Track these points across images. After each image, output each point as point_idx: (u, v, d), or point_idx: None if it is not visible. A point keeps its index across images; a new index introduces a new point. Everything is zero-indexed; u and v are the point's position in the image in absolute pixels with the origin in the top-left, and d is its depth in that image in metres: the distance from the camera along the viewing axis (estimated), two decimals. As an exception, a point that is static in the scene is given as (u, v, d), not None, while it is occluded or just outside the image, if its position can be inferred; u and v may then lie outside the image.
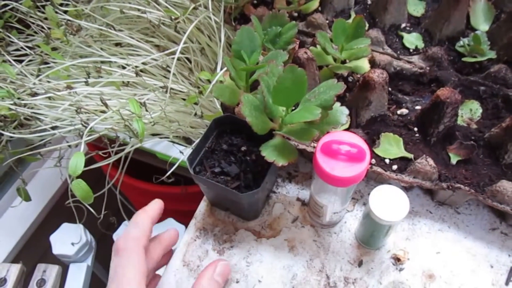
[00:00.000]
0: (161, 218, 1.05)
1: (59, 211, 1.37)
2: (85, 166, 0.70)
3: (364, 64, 0.73)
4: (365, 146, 0.54)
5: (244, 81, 0.66)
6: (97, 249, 1.03)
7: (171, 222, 1.00)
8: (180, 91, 0.90)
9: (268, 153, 0.56)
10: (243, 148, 0.64)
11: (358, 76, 0.76)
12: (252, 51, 0.64)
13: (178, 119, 0.90)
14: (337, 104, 0.59)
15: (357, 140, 0.54)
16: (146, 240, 0.53)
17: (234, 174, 0.62)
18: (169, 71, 0.86)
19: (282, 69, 0.55)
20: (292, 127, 0.57)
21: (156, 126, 0.88)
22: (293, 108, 0.57)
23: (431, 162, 0.63)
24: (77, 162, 0.68)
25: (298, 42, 0.73)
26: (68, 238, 0.98)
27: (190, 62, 0.94)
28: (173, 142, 0.95)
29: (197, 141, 0.63)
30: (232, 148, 0.65)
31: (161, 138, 0.93)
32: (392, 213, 0.56)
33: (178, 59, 0.94)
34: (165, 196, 1.08)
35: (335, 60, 0.74)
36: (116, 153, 0.88)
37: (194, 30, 0.87)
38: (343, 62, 0.74)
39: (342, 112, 0.58)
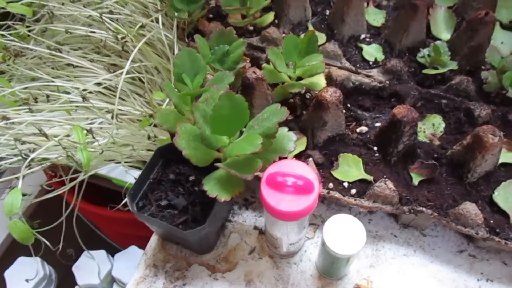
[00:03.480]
0: (124, 245, 1.00)
1: (16, 243, 1.30)
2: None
3: (320, 81, 0.69)
4: (313, 176, 0.49)
5: (190, 106, 0.61)
6: (62, 281, 0.97)
7: (134, 250, 0.95)
8: (133, 113, 0.85)
9: (210, 187, 0.51)
10: (191, 178, 0.60)
11: (316, 92, 0.72)
12: (196, 74, 0.60)
13: (132, 143, 0.85)
14: (284, 129, 0.54)
15: (304, 169, 0.50)
16: None
17: (182, 207, 0.58)
18: (123, 92, 0.82)
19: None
20: (236, 158, 0.53)
21: (108, 152, 0.83)
22: (240, 133, 0.53)
23: (390, 185, 0.59)
24: (12, 201, 0.63)
25: (248, 61, 0.69)
26: (24, 273, 0.92)
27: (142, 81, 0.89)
28: (132, 166, 0.90)
29: (139, 173, 0.58)
30: (180, 177, 0.60)
31: (117, 163, 0.88)
32: (348, 246, 0.52)
33: (133, 78, 0.89)
34: (126, 222, 1.02)
35: (290, 77, 0.70)
36: (71, 180, 0.83)
37: (145, 48, 0.82)
38: (299, 78, 0.70)
39: (289, 139, 0.53)
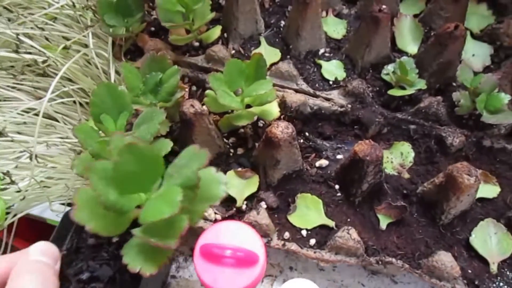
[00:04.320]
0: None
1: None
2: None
3: (272, 109, 0.60)
4: (257, 244, 0.40)
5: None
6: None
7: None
8: (66, 143, 0.74)
9: (131, 258, 0.41)
10: (114, 239, 0.50)
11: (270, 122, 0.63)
12: (120, 112, 0.50)
13: (66, 178, 0.74)
14: (211, 170, 0.43)
15: (246, 233, 0.41)
16: None
17: (107, 277, 0.48)
18: (56, 120, 0.71)
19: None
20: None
21: (36, 193, 0.71)
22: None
23: (354, 235, 0.50)
24: None
25: (187, 89, 0.59)
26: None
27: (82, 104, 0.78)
28: (68, 204, 0.79)
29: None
30: (101, 241, 0.50)
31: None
32: (304, 319, 0.44)
33: (64, 102, 0.78)
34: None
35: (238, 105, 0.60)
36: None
37: (72, 71, 0.71)
38: (249, 106, 0.61)
39: (219, 182, 0.43)
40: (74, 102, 0.75)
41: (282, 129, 0.51)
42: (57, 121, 0.70)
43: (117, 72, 0.77)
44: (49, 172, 0.71)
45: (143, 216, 0.40)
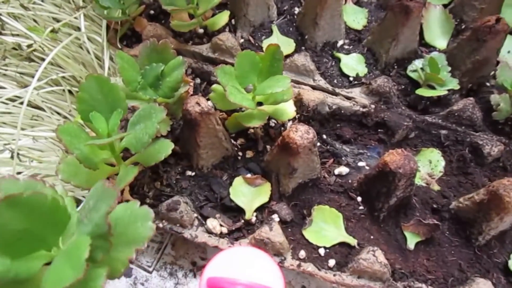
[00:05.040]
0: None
1: None
2: None
3: (287, 108, 0.53)
4: (275, 277, 0.34)
5: (110, 152, 0.44)
6: None
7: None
8: (52, 139, 0.67)
9: None
10: None
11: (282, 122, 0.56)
12: (112, 109, 0.43)
13: (53, 176, 0.67)
14: (133, 205, 0.35)
15: (262, 264, 0.34)
16: None
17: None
18: (42, 109, 0.63)
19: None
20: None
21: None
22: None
23: (381, 257, 0.44)
24: None
25: (192, 84, 0.52)
26: None
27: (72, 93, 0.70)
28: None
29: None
30: None
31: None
32: None
33: (54, 91, 0.71)
34: None
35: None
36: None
37: (61, 57, 0.64)
38: (259, 103, 0.54)
39: (144, 218, 0.34)
40: (64, 90, 0.68)
41: (302, 134, 0.45)
42: (45, 111, 0.63)
43: (112, 59, 0.69)
44: (34, 169, 0.64)
45: (44, 286, 0.31)
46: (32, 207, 0.29)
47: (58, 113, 0.70)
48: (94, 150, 0.42)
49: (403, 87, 0.60)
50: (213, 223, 0.49)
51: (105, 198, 0.31)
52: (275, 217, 0.49)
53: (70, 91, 0.68)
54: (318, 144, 0.56)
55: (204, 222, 0.49)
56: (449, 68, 0.57)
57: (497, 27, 0.53)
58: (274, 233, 0.45)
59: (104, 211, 0.30)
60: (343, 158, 0.55)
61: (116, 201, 0.31)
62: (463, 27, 0.65)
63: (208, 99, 0.53)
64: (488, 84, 0.60)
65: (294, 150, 0.45)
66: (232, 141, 0.55)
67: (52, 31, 0.60)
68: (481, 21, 0.54)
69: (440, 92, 0.56)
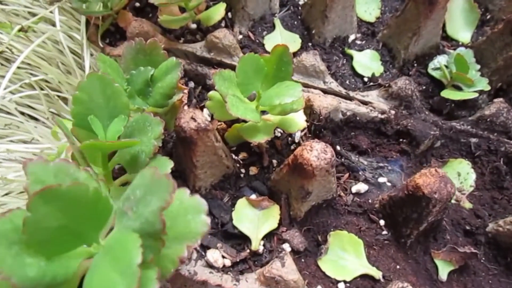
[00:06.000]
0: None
1: None
2: None
3: (296, 117, 0.46)
4: None
5: (101, 166, 0.37)
6: None
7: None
8: (29, 150, 0.59)
9: None
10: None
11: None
12: (112, 115, 0.35)
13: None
14: (183, 193, 0.30)
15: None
16: None
17: None
18: (16, 115, 0.56)
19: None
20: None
21: None
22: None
23: (412, 296, 0.38)
24: None
25: (186, 91, 0.44)
26: None
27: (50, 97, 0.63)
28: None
29: None
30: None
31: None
32: None
33: (32, 96, 0.63)
34: None
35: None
36: None
37: (32, 59, 0.56)
38: (264, 112, 0.47)
39: (195, 211, 0.29)
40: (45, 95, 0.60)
41: (318, 154, 0.38)
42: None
43: (93, 55, 0.61)
44: (9, 187, 0.58)
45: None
46: (71, 201, 0.26)
47: (37, 120, 0.63)
48: (93, 159, 0.35)
49: (424, 87, 0.53)
50: (214, 255, 0.42)
51: (157, 191, 0.26)
52: (286, 246, 0.42)
53: (48, 95, 0.61)
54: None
55: (203, 253, 0.42)
56: (478, 66, 0.51)
57: (537, 19, 0.46)
58: (287, 269, 0.39)
59: (157, 207, 0.26)
60: (360, 173, 0.48)
61: (173, 195, 0.26)
62: (488, 17, 0.58)
63: (203, 107, 0.45)
64: (518, 83, 0.54)
65: (309, 173, 0.38)
66: (233, 155, 0.48)
67: (21, 30, 0.52)
68: (516, 12, 0.47)
69: (469, 94, 0.49)
